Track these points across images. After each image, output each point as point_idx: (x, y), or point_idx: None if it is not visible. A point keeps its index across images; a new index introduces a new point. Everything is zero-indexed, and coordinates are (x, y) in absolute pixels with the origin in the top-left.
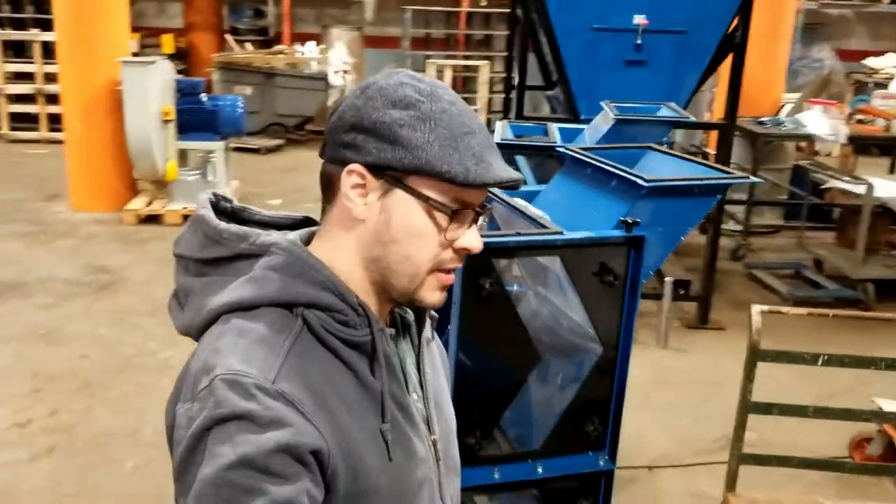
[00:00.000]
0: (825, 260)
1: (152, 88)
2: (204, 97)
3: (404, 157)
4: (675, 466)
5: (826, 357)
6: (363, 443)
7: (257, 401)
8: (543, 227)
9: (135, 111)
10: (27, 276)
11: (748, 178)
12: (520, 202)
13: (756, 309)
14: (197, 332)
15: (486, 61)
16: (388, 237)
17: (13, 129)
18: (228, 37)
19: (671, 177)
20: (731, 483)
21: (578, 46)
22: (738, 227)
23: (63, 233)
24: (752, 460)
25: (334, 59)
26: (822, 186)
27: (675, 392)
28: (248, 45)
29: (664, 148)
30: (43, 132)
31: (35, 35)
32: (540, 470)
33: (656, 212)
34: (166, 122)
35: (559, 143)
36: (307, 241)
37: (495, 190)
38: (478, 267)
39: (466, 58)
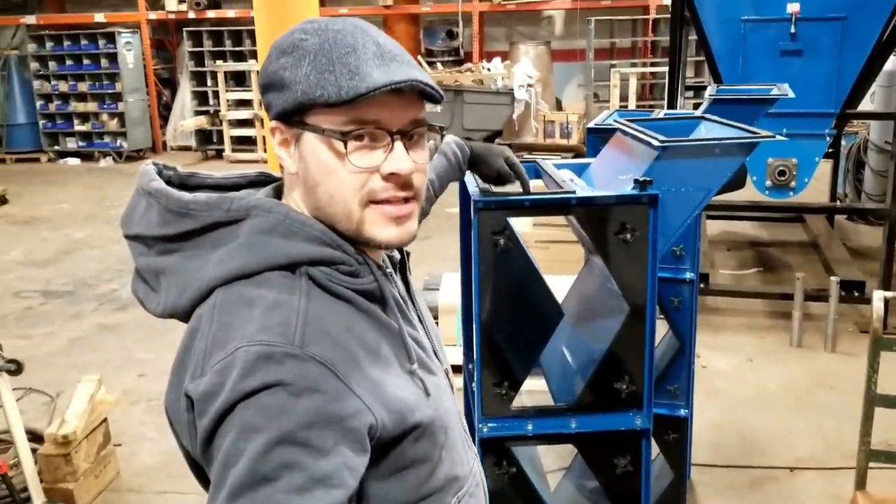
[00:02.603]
0: None
1: None
2: None
3: (289, 97)
4: (817, 469)
5: None
6: (397, 385)
7: (288, 368)
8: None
9: None
10: None
11: (774, 136)
12: (567, 172)
13: (878, 295)
14: (185, 311)
15: None
16: (312, 182)
17: (234, 150)
18: (419, 58)
19: (690, 138)
20: (860, 481)
21: (728, 40)
22: None
23: None
24: (883, 458)
25: (518, 73)
26: None
27: (834, 396)
28: (438, 65)
29: (718, 118)
30: (260, 153)
31: (252, 66)
32: (573, 425)
33: (677, 172)
34: None
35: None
36: (275, 197)
37: (545, 164)
38: (492, 224)
39: (653, 64)
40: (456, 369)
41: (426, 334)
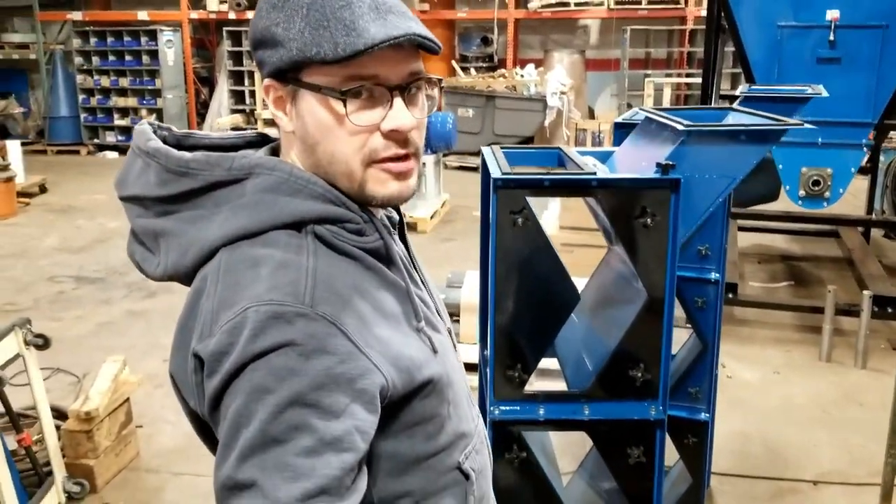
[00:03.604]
0: None
1: None
2: None
3: (283, 54)
4: (841, 484)
5: None
6: (404, 343)
7: (298, 328)
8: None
9: None
10: None
11: (802, 124)
12: (590, 159)
13: None
14: (188, 272)
15: None
16: (311, 140)
17: None
18: (454, 63)
19: (715, 123)
20: (885, 497)
21: (765, 45)
22: None
23: None
24: None
25: (552, 80)
26: None
27: (862, 412)
28: (472, 70)
29: (748, 109)
30: None
31: None
32: (586, 412)
33: (701, 158)
34: None
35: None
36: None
37: (569, 150)
38: (511, 202)
39: (688, 75)
40: (471, 368)
41: (429, 294)
